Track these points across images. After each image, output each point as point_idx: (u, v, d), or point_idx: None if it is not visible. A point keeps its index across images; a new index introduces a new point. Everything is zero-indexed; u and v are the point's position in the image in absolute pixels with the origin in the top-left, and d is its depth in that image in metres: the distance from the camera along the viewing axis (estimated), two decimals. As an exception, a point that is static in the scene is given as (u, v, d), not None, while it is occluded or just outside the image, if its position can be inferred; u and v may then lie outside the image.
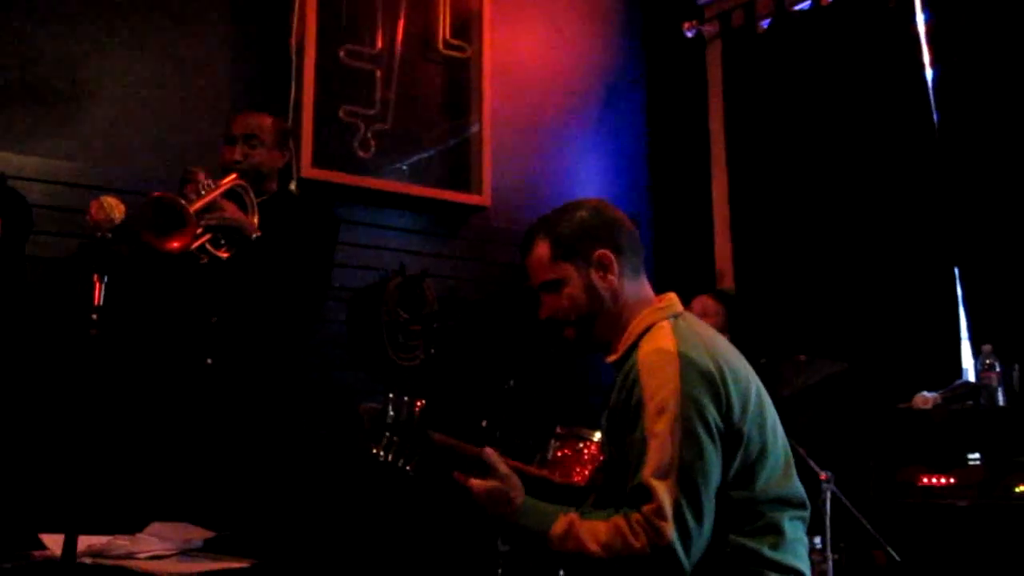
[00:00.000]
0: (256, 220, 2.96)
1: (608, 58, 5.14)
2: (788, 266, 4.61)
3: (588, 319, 1.98)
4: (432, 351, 4.10)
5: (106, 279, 2.13)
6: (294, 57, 4.00)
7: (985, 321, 3.92)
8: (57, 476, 2.91)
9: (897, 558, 3.29)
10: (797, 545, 1.86)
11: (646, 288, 2.03)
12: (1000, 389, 3.63)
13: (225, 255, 2.91)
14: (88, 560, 2.03)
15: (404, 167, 4.31)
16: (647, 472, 1.74)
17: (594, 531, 1.77)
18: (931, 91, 4.17)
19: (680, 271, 4.88)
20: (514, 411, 3.68)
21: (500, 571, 3.23)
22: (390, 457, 1.87)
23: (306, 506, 3.27)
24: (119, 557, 2.09)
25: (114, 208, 2.50)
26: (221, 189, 2.89)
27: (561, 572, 2.75)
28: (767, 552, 1.80)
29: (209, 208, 2.82)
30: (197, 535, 2.29)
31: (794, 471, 1.92)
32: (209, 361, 2.93)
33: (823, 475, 3.25)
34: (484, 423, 3.54)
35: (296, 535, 3.07)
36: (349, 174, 4.10)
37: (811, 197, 4.55)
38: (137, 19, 3.72)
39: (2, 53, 3.43)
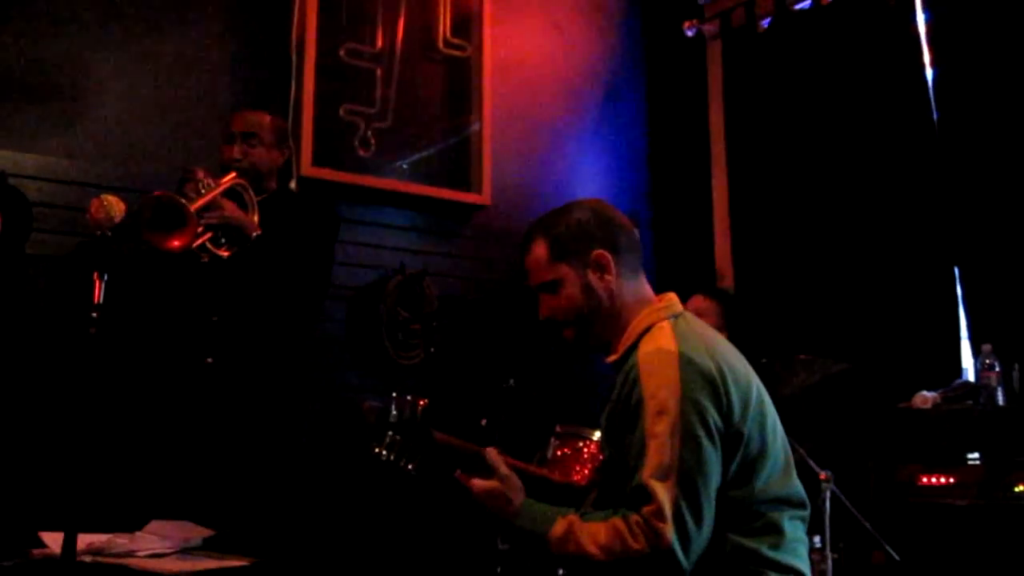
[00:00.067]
0: (256, 218, 2.96)
1: (608, 57, 5.14)
2: (788, 265, 4.61)
3: (586, 320, 1.98)
4: (432, 350, 4.10)
5: (106, 278, 2.13)
6: (294, 55, 4.00)
7: (985, 321, 3.92)
8: (57, 474, 2.90)
9: (897, 557, 3.29)
10: (797, 545, 1.86)
11: (645, 288, 2.03)
12: (1000, 389, 3.62)
13: (226, 254, 2.91)
14: (88, 558, 2.04)
15: (404, 165, 4.31)
16: (646, 473, 1.74)
17: (593, 533, 1.77)
18: (931, 91, 4.17)
19: (680, 271, 4.88)
20: (514, 410, 3.68)
21: (499, 570, 3.23)
22: (392, 456, 1.87)
23: (306, 505, 3.26)
24: (119, 555, 2.09)
25: (114, 206, 2.49)
26: (221, 188, 2.90)
27: (560, 571, 2.76)
28: (767, 552, 1.80)
29: (209, 207, 2.82)
30: (197, 533, 2.29)
31: (794, 471, 1.92)
32: (210, 360, 2.93)
33: (823, 474, 3.25)
34: (484, 422, 3.54)
35: (296, 534, 3.07)
36: (349, 172, 4.10)
37: (811, 196, 4.55)
38: (137, 17, 3.72)
39: (2, 51, 3.43)
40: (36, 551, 2.10)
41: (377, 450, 1.86)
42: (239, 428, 2.90)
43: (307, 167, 3.94)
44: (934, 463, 3.51)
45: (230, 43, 3.92)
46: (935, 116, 4.15)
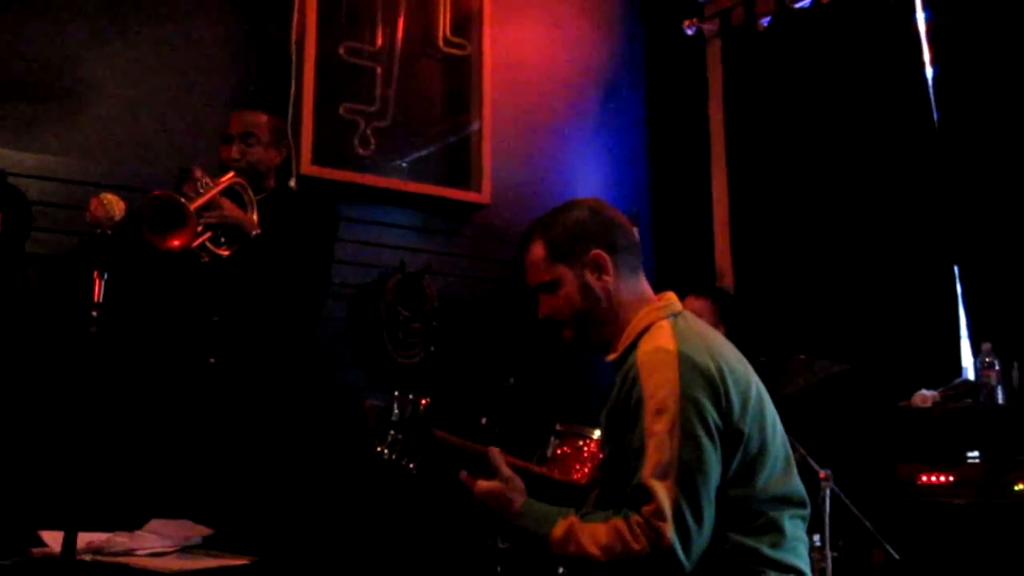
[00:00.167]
0: (255, 217, 2.97)
1: (608, 55, 5.14)
2: (788, 264, 4.61)
3: (584, 319, 1.98)
4: (432, 348, 4.10)
5: (106, 276, 2.13)
6: (294, 54, 3.99)
7: (984, 319, 3.92)
8: (57, 473, 2.90)
9: (896, 556, 3.29)
10: (797, 544, 1.86)
11: (644, 287, 2.03)
12: (999, 387, 3.62)
13: (225, 253, 2.91)
14: (87, 557, 2.04)
15: (404, 164, 4.31)
16: (646, 472, 1.73)
17: (594, 534, 1.77)
18: (931, 89, 4.17)
19: (679, 270, 4.88)
20: (514, 409, 3.68)
21: (499, 569, 3.23)
22: (394, 455, 1.87)
23: (306, 503, 3.26)
24: (118, 554, 2.09)
25: (114, 205, 2.49)
26: (219, 187, 2.90)
27: (560, 570, 2.76)
28: (767, 551, 1.80)
29: (208, 206, 2.83)
30: (196, 532, 2.29)
31: (794, 469, 1.92)
32: (212, 360, 2.93)
33: (822, 473, 3.25)
34: (484, 420, 3.54)
35: (296, 532, 3.07)
36: (349, 171, 4.10)
37: (811, 195, 4.55)
38: (137, 16, 3.71)
39: (2, 49, 3.43)
40: (36, 550, 2.10)
41: (378, 449, 1.87)
42: (239, 426, 2.90)
43: (307, 166, 3.94)
44: (934, 462, 3.51)
45: (230, 41, 3.92)
46: (935, 115, 4.15)
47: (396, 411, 1.85)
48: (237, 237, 2.91)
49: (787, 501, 1.86)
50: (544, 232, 2.00)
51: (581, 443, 3.24)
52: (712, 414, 1.77)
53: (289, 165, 3.72)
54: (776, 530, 1.82)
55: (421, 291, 4.19)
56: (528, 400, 3.87)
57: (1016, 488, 3.30)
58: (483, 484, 1.88)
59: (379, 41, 4.27)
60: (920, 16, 4.24)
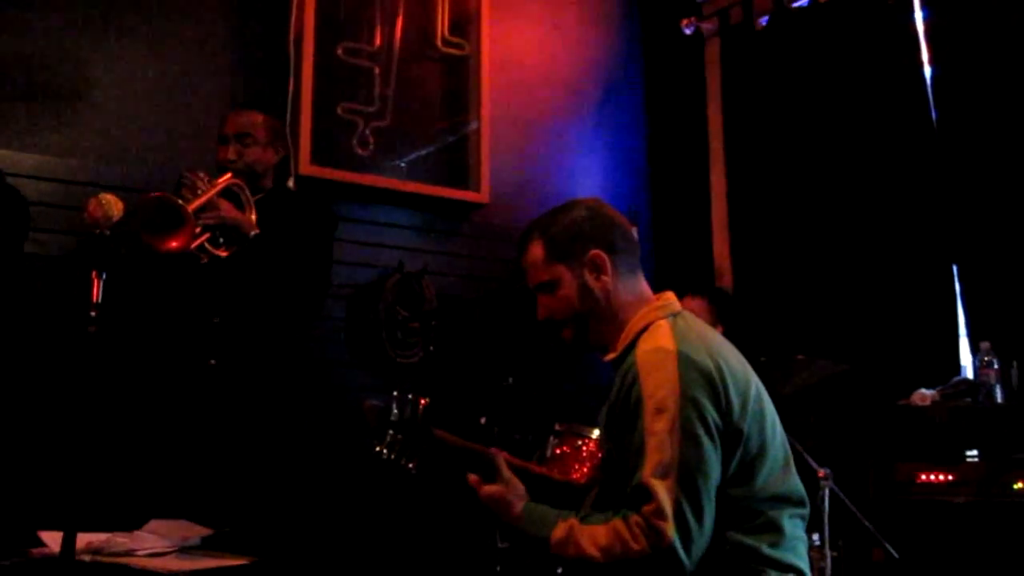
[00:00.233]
0: (254, 217, 2.96)
1: (606, 55, 5.14)
2: (786, 263, 4.61)
3: (583, 320, 1.98)
4: (431, 348, 4.10)
5: (104, 276, 2.13)
6: (293, 54, 3.99)
7: (983, 318, 3.92)
8: (56, 474, 2.90)
9: (896, 555, 3.29)
10: (796, 543, 1.86)
11: (643, 287, 2.03)
12: (998, 386, 3.63)
13: (224, 254, 2.91)
14: (87, 558, 2.04)
15: (403, 164, 4.31)
16: (646, 472, 1.74)
17: (593, 535, 1.77)
18: (929, 89, 4.17)
19: (678, 270, 4.88)
20: (513, 408, 3.68)
21: (499, 569, 3.23)
22: (393, 455, 1.87)
23: (305, 503, 3.26)
24: (118, 554, 2.09)
25: (112, 205, 2.49)
26: (217, 188, 2.90)
27: (559, 570, 2.76)
28: (766, 550, 1.80)
29: (206, 207, 2.83)
30: (196, 533, 2.29)
31: (793, 468, 1.92)
32: (213, 362, 2.93)
33: (821, 472, 3.25)
34: (483, 420, 3.54)
35: (295, 533, 3.07)
36: (348, 171, 4.10)
37: (810, 194, 4.55)
38: (135, 16, 3.71)
39: (1, 50, 3.42)
40: (35, 550, 2.10)
41: (378, 449, 1.87)
42: (238, 427, 2.90)
43: (305, 166, 3.93)
44: (933, 460, 3.52)
45: (228, 42, 3.92)
46: (933, 114, 4.15)
47: (395, 411, 1.85)
48: (235, 238, 2.91)
49: (786, 500, 1.86)
50: (543, 232, 2.01)
51: (580, 443, 3.24)
52: (712, 413, 1.77)
53: (287, 164, 3.72)
54: (775, 529, 1.83)
55: (420, 291, 4.18)
56: (527, 400, 3.87)
57: (1015, 487, 3.30)
58: (486, 488, 1.89)
59: (377, 41, 4.27)
60: (918, 15, 4.24)
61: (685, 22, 4.94)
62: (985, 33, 4.00)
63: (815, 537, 3.22)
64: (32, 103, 3.47)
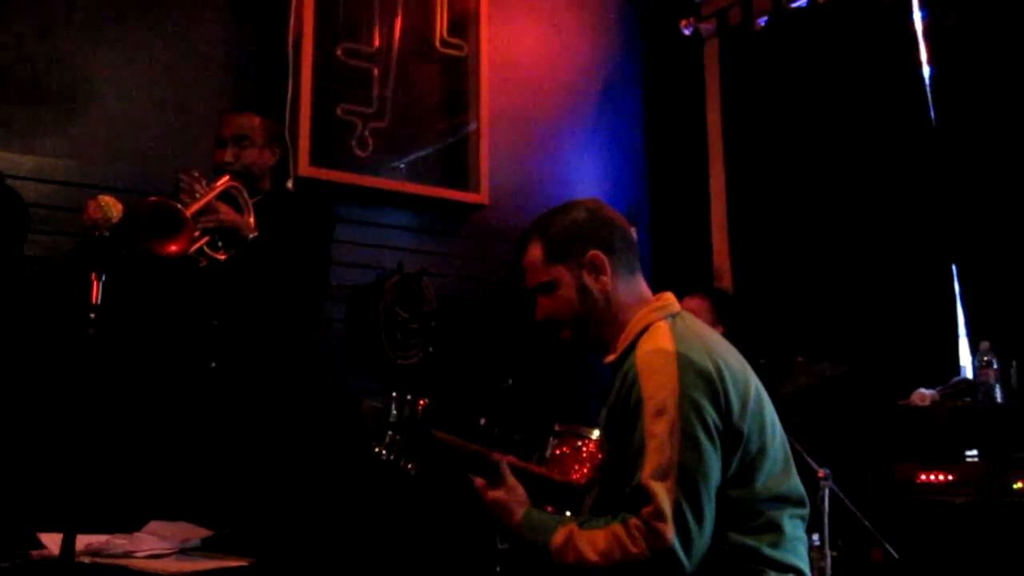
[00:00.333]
0: (252, 220, 2.96)
1: (605, 55, 5.14)
2: (786, 263, 4.61)
3: (582, 320, 1.98)
4: (430, 349, 4.10)
5: (104, 278, 2.13)
6: (291, 55, 3.99)
7: (983, 318, 3.92)
8: (55, 475, 2.90)
9: (895, 555, 3.29)
10: (796, 543, 1.86)
11: (643, 288, 2.03)
12: (998, 386, 3.62)
13: (223, 257, 2.91)
14: (86, 559, 2.04)
15: (402, 165, 4.31)
16: (646, 474, 1.73)
17: (592, 540, 1.77)
18: (928, 89, 4.17)
19: (677, 270, 4.88)
20: (512, 409, 3.68)
21: (499, 570, 3.23)
22: (392, 456, 1.87)
23: (305, 505, 3.26)
24: (117, 556, 2.09)
25: (111, 207, 2.50)
26: (215, 192, 2.90)
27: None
28: (766, 550, 1.80)
29: (205, 211, 2.83)
30: (195, 534, 2.29)
31: (793, 469, 1.92)
32: (213, 365, 2.93)
33: (821, 472, 3.25)
34: (482, 421, 3.54)
35: (295, 534, 3.07)
36: (347, 172, 4.10)
37: (809, 194, 4.55)
38: (134, 17, 3.71)
39: (0, 52, 3.43)
40: (35, 552, 2.10)
41: (377, 450, 1.87)
42: (237, 428, 2.90)
43: (304, 167, 3.93)
44: (932, 460, 3.51)
45: (227, 43, 3.92)
46: (932, 114, 4.15)
47: (394, 412, 1.85)
48: (234, 241, 2.91)
49: (786, 500, 1.86)
50: (542, 233, 2.01)
51: (580, 443, 3.24)
52: (711, 414, 1.77)
53: (285, 166, 3.71)
54: (775, 529, 1.82)
55: (419, 292, 4.18)
56: (526, 401, 3.87)
57: (1015, 487, 3.30)
58: (490, 494, 1.90)
59: (376, 42, 4.27)
60: (917, 15, 4.24)
61: (684, 23, 4.94)
62: (984, 33, 4.00)
63: (815, 537, 3.21)
64: (31, 105, 3.47)
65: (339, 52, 4.15)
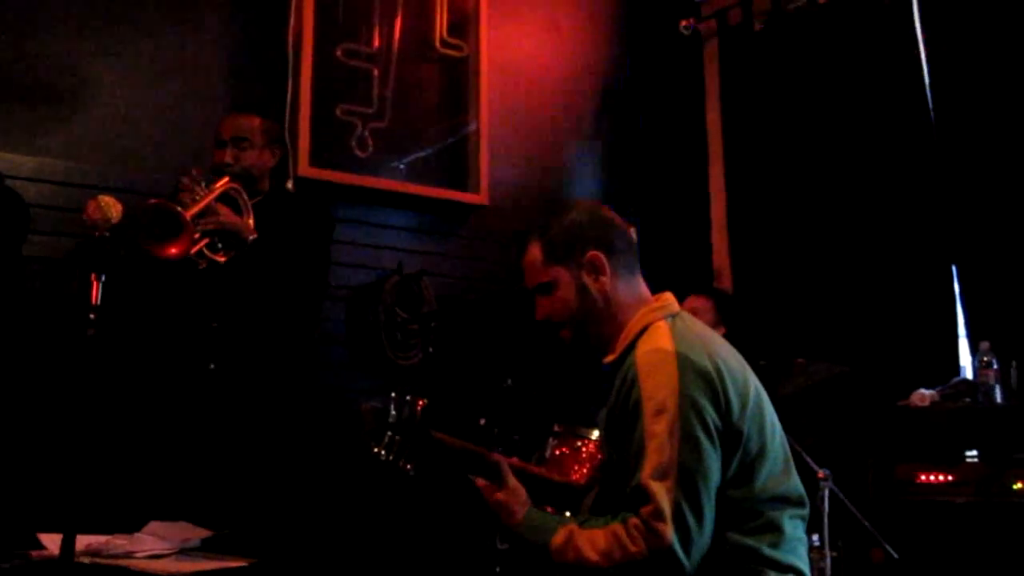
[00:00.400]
0: (251, 222, 2.96)
1: (605, 56, 5.14)
2: (786, 263, 4.61)
3: (582, 321, 1.98)
4: (430, 350, 4.10)
5: (103, 279, 2.13)
6: (291, 56, 3.99)
7: (983, 318, 3.92)
8: (55, 475, 2.90)
9: (895, 555, 3.29)
10: (796, 543, 1.86)
11: (642, 288, 2.03)
12: (998, 386, 3.62)
13: (222, 259, 2.91)
14: (86, 559, 2.04)
15: (401, 166, 4.31)
16: (645, 474, 1.73)
17: (592, 540, 1.77)
18: (928, 89, 4.17)
19: (677, 270, 4.88)
20: (512, 409, 3.68)
21: (498, 569, 3.23)
22: (391, 456, 1.87)
23: (305, 505, 3.26)
24: (117, 556, 2.09)
25: (111, 207, 2.49)
26: (215, 193, 2.90)
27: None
28: (766, 550, 1.80)
29: (204, 213, 2.83)
30: (195, 534, 2.29)
31: (793, 469, 1.92)
32: (212, 366, 2.93)
33: (821, 473, 3.24)
34: (482, 421, 3.54)
35: (295, 534, 3.07)
36: (346, 173, 4.10)
37: (808, 195, 4.55)
38: (134, 18, 3.71)
39: (0, 52, 3.42)
40: (35, 552, 2.10)
41: (376, 450, 1.87)
42: (237, 428, 2.90)
43: (304, 167, 3.94)
44: (932, 461, 3.51)
45: (227, 43, 3.92)
46: (932, 114, 4.15)
47: (393, 412, 1.86)
48: (234, 242, 2.91)
49: (786, 501, 1.86)
50: (541, 234, 2.01)
51: (579, 444, 3.24)
52: (711, 414, 1.77)
53: (284, 167, 3.71)
54: (775, 530, 1.82)
55: (419, 292, 4.18)
56: (526, 401, 3.87)
57: (1015, 487, 3.30)
58: (491, 495, 1.90)
59: (376, 42, 4.27)
60: (916, 15, 4.24)
61: (683, 23, 4.93)
62: (983, 33, 4.00)
63: (815, 538, 3.21)
64: (31, 106, 3.47)
65: (339, 52, 4.15)
